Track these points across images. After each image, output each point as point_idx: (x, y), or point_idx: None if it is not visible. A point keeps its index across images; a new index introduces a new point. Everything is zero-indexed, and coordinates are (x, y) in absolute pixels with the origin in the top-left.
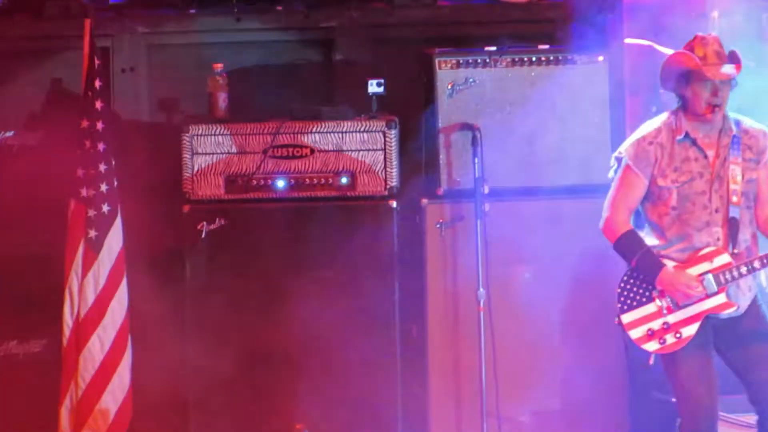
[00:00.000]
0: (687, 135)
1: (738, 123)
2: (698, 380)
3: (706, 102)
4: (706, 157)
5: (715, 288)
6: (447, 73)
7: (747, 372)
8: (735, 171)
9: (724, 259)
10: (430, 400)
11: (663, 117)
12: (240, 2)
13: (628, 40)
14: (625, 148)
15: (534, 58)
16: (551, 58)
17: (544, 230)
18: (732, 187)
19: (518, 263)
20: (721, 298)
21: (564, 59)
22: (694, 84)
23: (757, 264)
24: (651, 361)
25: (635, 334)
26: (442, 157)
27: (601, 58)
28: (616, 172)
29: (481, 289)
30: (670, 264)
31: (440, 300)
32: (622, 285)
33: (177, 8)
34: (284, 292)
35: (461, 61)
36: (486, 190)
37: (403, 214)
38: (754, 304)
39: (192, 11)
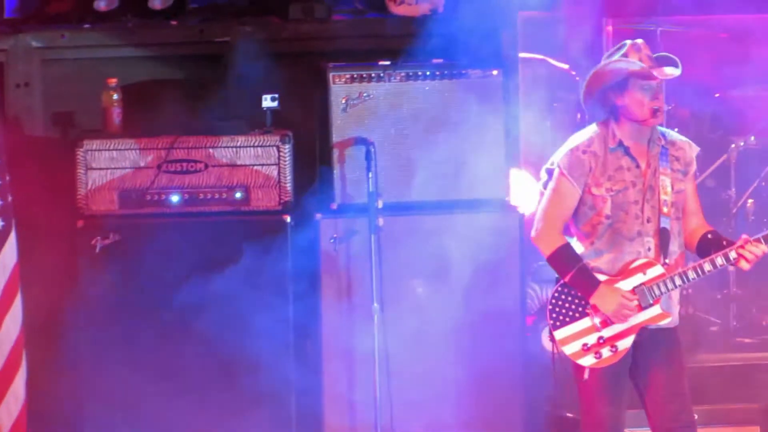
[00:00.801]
0: (620, 144)
1: (664, 134)
2: (608, 400)
3: (648, 106)
4: (638, 166)
5: (650, 300)
6: (341, 87)
7: (647, 389)
8: (665, 181)
9: (658, 270)
10: (325, 414)
11: (593, 128)
12: (135, 17)
13: (522, 54)
14: (558, 158)
15: (428, 73)
16: (445, 72)
17: (438, 244)
18: (663, 197)
19: (412, 277)
20: (656, 310)
21: (458, 73)
22: (633, 90)
23: (691, 274)
24: (586, 376)
25: (570, 349)
26: (336, 171)
27: (495, 72)
28: (546, 184)
29: (376, 304)
30: (602, 277)
31: (335, 314)
32: (554, 301)
33: (71, 23)
34: (179, 306)
35: (355, 76)
36: (380, 205)
37: (298, 228)
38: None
39: (86, 26)
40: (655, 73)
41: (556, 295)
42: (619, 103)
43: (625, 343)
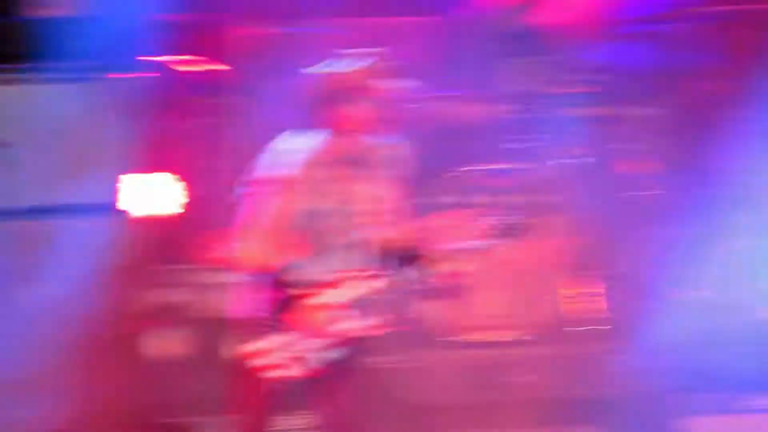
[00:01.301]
0: (332, 155)
1: (373, 141)
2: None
3: (361, 119)
4: (344, 177)
5: (352, 312)
6: None
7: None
8: (372, 190)
9: (361, 282)
10: None
11: (304, 137)
12: None
13: (160, 57)
14: (266, 168)
15: (55, 76)
16: (75, 75)
17: (47, 249)
18: (369, 206)
19: (19, 283)
20: (356, 322)
21: (88, 76)
22: (347, 103)
23: (391, 284)
24: (283, 386)
25: (266, 361)
26: None
27: (126, 75)
28: (244, 196)
29: None
30: (305, 289)
31: None
32: (254, 313)
33: None
34: None
35: None
36: None
37: None
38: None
39: None
40: (368, 90)
41: (256, 307)
42: (327, 116)
43: (321, 357)
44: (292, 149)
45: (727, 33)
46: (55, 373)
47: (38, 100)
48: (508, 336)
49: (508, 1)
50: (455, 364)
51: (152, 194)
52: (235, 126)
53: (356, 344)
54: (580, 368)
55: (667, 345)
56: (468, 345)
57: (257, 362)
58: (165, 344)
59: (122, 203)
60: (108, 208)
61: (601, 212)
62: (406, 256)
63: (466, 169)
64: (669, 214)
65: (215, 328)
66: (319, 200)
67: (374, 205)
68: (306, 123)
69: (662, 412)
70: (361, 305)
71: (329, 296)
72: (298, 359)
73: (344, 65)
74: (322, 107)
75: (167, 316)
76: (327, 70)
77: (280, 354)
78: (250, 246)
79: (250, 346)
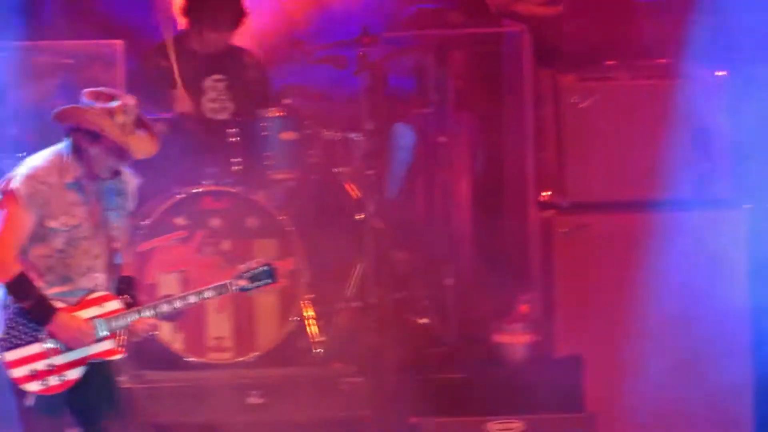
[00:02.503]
0: (76, 181)
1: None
2: (50, 428)
3: (111, 168)
4: (89, 203)
5: (104, 333)
6: None
7: (86, 420)
8: (113, 216)
9: (114, 304)
10: None
11: (49, 156)
12: None
13: None
14: (15, 186)
15: None
16: None
17: None
18: (112, 233)
19: None
20: (108, 344)
21: None
22: (103, 146)
23: (146, 311)
24: (31, 401)
25: (17, 373)
26: None
27: None
28: None
29: None
30: (59, 305)
31: None
32: (8, 323)
33: None
34: None
35: None
36: None
37: None
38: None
39: None
40: (131, 148)
41: (11, 317)
42: (84, 148)
43: (74, 374)
44: (44, 169)
45: (424, 57)
46: None
47: None
48: (237, 357)
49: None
50: (188, 384)
51: None
52: None
53: (93, 364)
54: (300, 390)
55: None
56: (199, 366)
57: (13, 372)
58: None
59: None
60: None
61: (309, 235)
62: (126, 283)
63: (173, 192)
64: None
65: None
66: (73, 222)
67: (116, 229)
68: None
69: None
70: (98, 327)
71: (87, 314)
72: (52, 373)
73: (116, 115)
74: (80, 139)
75: None
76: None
77: (35, 366)
78: (3, 259)
79: (8, 356)
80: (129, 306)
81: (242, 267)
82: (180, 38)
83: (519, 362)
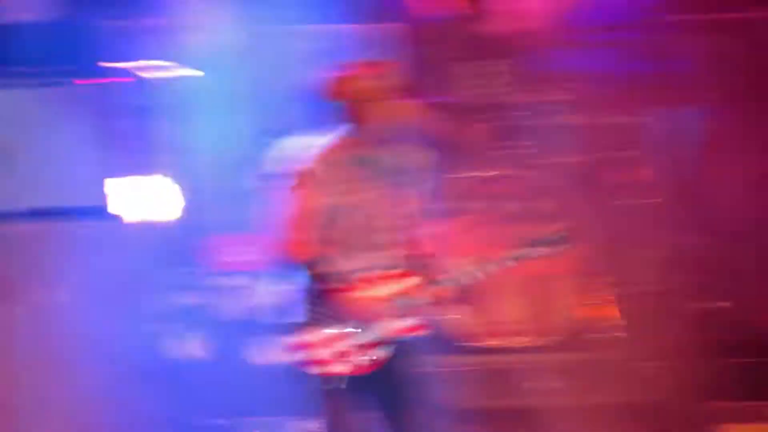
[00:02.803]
0: (358, 154)
1: (395, 143)
2: (351, 413)
3: (389, 131)
4: (375, 176)
5: (404, 310)
6: None
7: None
8: (402, 191)
9: (414, 280)
10: None
11: (333, 134)
12: None
13: (135, 63)
14: (302, 167)
15: (30, 80)
16: (47, 79)
17: (39, 252)
18: (399, 209)
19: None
20: (411, 321)
21: (60, 81)
22: (375, 105)
23: (447, 283)
24: (341, 384)
25: (323, 354)
26: None
27: (97, 81)
28: (284, 193)
29: None
30: (357, 284)
31: None
32: (308, 306)
33: None
34: None
35: None
36: None
37: None
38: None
39: None
40: (405, 108)
41: (311, 300)
42: (358, 117)
43: (380, 352)
44: (326, 147)
45: (692, 41)
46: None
47: (18, 103)
48: (525, 342)
49: (466, 8)
50: (486, 368)
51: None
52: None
53: (396, 343)
54: (598, 375)
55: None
56: (488, 350)
57: (302, 358)
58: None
59: (112, 207)
60: (98, 212)
61: (601, 219)
62: (426, 263)
63: (461, 175)
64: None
65: (237, 329)
66: (341, 197)
67: (403, 204)
68: (313, 121)
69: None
70: (398, 305)
71: (369, 292)
72: (343, 355)
73: (386, 76)
74: (357, 109)
75: (187, 318)
76: (374, 76)
77: (325, 350)
78: (297, 241)
79: (295, 342)
80: (428, 282)
81: (537, 234)
82: (465, 22)
83: None
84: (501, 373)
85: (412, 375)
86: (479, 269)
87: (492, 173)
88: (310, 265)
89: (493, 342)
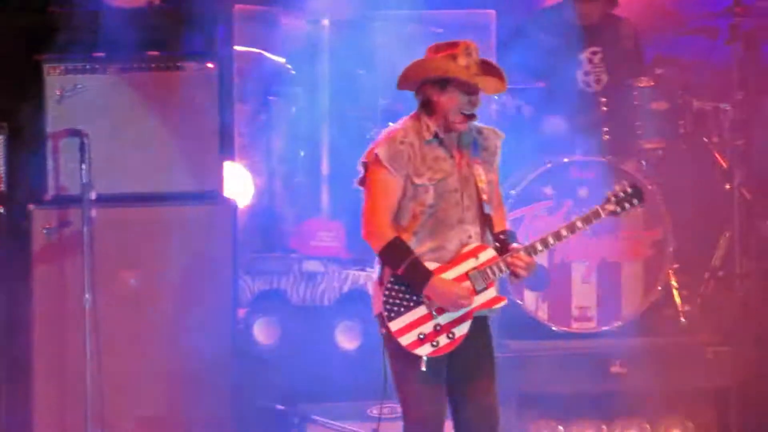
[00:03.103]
0: (435, 136)
1: (474, 125)
2: (432, 397)
3: (461, 111)
4: (452, 156)
5: (483, 284)
6: (56, 78)
7: (456, 382)
8: (479, 170)
9: (489, 254)
10: (35, 406)
11: (405, 120)
12: None
13: (237, 48)
14: (378, 151)
15: (144, 65)
16: (161, 65)
17: (152, 236)
18: (480, 185)
19: (126, 269)
20: (491, 293)
21: (174, 66)
22: (452, 93)
23: (522, 252)
24: (423, 367)
25: (406, 340)
26: (50, 162)
27: (210, 65)
28: (362, 179)
29: (87, 295)
30: (433, 265)
31: (47, 305)
32: (387, 292)
33: None
34: None
35: (70, 67)
36: (93, 196)
37: (13, 219)
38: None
39: None
40: (480, 86)
41: (389, 285)
42: (435, 99)
43: (462, 329)
44: (401, 130)
45: None
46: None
47: (131, 88)
48: (601, 326)
49: None
50: (552, 353)
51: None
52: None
53: (482, 319)
54: (673, 360)
55: None
56: (563, 335)
57: (402, 340)
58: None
59: (226, 191)
60: (211, 196)
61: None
62: (505, 236)
63: (548, 160)
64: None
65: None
66: (438, 176)
67: (483, 182)
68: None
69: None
70: (495, 277)
71: (456, 270)
72: (440, 333)
73: (459, 58)
74: (428, 92)
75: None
76: (442, 58)
77: (421, 329)
78: (377, 226)
79: (393, 325)
80: (503, 253)
81: (608, 192)
82: (556, 9)
83: None
84: (567, 359)
85: (489, 352)
86: (552, 237)
87: (570, 159)
88: (387, 248)
89: (560, 327)
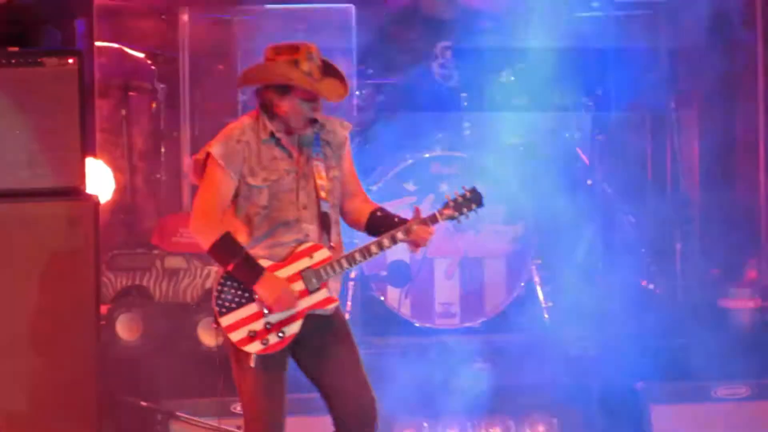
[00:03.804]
0: (272, 135)
1: (311, 120)
2: (266, 393)
3: (305, 117)
4: (291, 156)
5: (316, 284)
6: None
7: (323, 377)
8: (319, 167)
9: (324, 254)
10: None
11: (243, 118)
12: None
13: (98, 43)
14: (212, 148)
15: (3, 61)
16: (21, 60)
17: (14, 232)
18: (318, 182)
19: None
20: (323, 294)
21: (34, 62)
22: (292, 98)
23: (358, 256)
24: (252, 364)
25: (236, 336)
26: None
27: (71, 61)
28: (198, 174)
29: None
30: (267, 263)
31: None
32: (219, 287)
33: None
34: None
35: None
36: None
37: None
38: (338, 306)
39: None
40: (322, 94)
41: (222, 281)
42: (276, 103)
43: (293, 328)
44: (238, 129)
45: None
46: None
47: None
48: (464, 323)
49: None
50: (415, 349)
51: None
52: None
53: (310, 318)
54: (536, 356)
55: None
56: (426, 331)
57: (232, 336)
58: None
59: (88, 187)
60: (72, 192)
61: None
62: (379, 222)
63: (409, 156)
64: None
65: (178, 310)
66: (273, 177)
67: (323, 179)
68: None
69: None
70: (328, 277)
71: (289, 268)
72: (270, 332)
73: (300, 63)
74: (269, 96)
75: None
76: (284, 63)
77: (252, 327)
78: (207, 223)
79: (224, 321)
80: (337, 256)
81: (447, 196)
82: (412, 3)
83: (747, 327)
84: (429, 355)
85: (344, 340)
86: (390, 237)
87: (431, 154)
88: (218, 244)
89: (423, 323)
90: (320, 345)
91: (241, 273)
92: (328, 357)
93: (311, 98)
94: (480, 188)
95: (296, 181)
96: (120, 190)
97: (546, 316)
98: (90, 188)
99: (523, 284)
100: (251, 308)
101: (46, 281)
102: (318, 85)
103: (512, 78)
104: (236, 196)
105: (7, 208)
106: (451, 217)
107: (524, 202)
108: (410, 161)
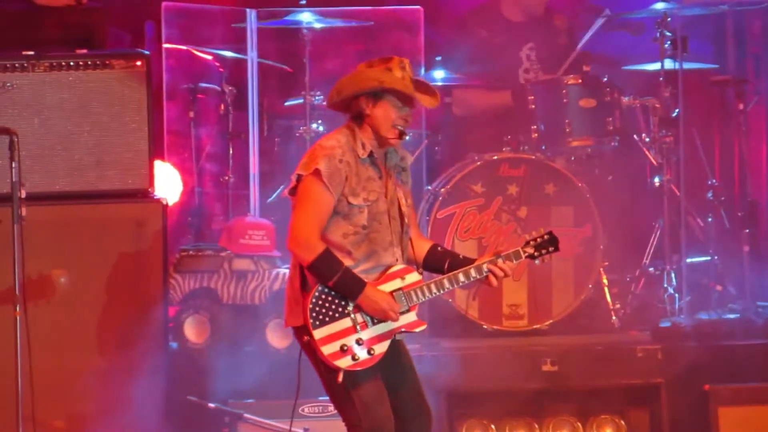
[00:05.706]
0: (370, 154)
1: (401, 132)
2: (380, 400)
3: (395, 125)
4: (381, 177)
5: (407, 306)
6: None
7: (396, 390)
8: (401, 192)
9: (415, 277)
10: None
11: (342, 135)
12: None
13: (166, 45)
14: (320, 165)
15: (72, 63)
16: (89, 62)
17: (83, 234)
18: (403, 208)
19: (57, 267)
20: (411, 316)
21: (102, 64)
22: (386, 104)
23: (446, 283)
24: (340, 378)
25: (328, 349)
26: None
27: (139, 63)
28: (295, 189)
29: (17, 294)
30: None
31: None
32: (314, 300)
33: None
34: None
35: None
36: (23, 194)
37: None
38: None
39: None
40: (414, 95)
41: (317, 294)
42: (368, 113)
43: (381, 348)
44: (339, 147)
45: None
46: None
47: (60, 86)
48: (531, 325)
49: None
50: (482, 351)
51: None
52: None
53: (396, 339)
54: (603, 358)
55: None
56: (494, 333)
57: (324, 350)
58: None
59: (156, 189)
60: (140, 194)
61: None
62: (442, 256)
63: (477, 158)
64: None
65: (246, 312)
66: (372, 197)
67: (404, 205)
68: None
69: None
70: (418, 300)
71: (389, 288)
72: (361, 348)
73: (393, 71)
74: (360, 104)
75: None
76: (378, 70)
77: (344, 341)
78: (307, 239)
79: (317, 333)
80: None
81: (526, 236)
82: (492, 6)
83: None
84: (497, 357)
85: (409, 365)
86: (477, 269)
87: (499, 156)
88: (318, 260)
89: (491, 325)
90: (397, 364)
91: (344, 287)
92: (402, 374)
93: (404, 103)
94: (556, 233)
95: (387, 204)
96: (188, 192)
97: (614, 318)
98: (158, 190)
99: (591, 286)
100: (345, 323)
101: (113, 283)
102: (411, 90)
103: (579, 81)
104: (334, 215)
105: (76, 210)
106: (531, 257)
107: (592, 204)
108: (478, 163)
